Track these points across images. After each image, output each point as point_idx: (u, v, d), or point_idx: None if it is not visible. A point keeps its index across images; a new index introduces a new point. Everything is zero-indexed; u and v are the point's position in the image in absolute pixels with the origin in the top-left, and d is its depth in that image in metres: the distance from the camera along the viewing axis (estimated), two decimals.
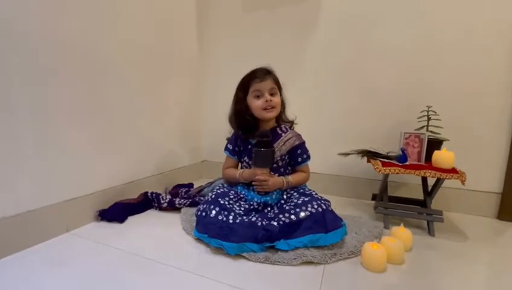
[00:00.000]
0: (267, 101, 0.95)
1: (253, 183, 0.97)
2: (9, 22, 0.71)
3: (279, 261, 0.72)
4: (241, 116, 0.99)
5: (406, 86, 1.17)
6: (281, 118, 1.05)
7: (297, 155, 1.00)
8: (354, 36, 1.23)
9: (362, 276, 0.68)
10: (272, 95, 0.96)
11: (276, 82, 0.99)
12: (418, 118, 1.06)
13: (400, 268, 0.72)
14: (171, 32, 1.31)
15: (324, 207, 0.83)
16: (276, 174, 0.99)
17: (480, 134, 1.09)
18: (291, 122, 1.06)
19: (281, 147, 0.98)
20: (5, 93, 0.71)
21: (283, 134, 1.01)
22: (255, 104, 0.96)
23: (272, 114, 0.97)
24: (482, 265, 0.78)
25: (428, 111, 1.03)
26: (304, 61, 1.33)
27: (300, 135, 1.03)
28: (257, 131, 0.98)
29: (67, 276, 0.65)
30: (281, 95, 1.02)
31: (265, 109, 0.96)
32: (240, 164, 1.08)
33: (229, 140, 1.08)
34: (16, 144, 0.74)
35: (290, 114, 1.07)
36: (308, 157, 1.02)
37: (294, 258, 0.72)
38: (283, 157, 0.99)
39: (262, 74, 0.97)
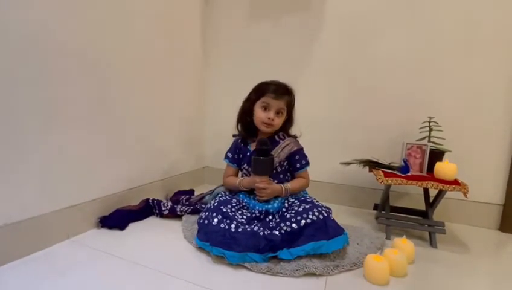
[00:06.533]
0: (269, 118, 0.97)
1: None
2: (13, 25, 0.71)
3: (281, 273, 0.71)
4: (244, 115, 1.04)
5: (408, 96, 1.18)
6: (284, 132, 1.06)
7: (296, 161, 1.01)
8: (357, 47, 1.25)
9: (365, 289, 0.68)
10: (277, 114, 0.99)
11: (289, 103, 1.01)
12: (420, 128, 1.06)
13: (403, 281, 0.71)
14: (177, 39, 1.32)
15: (325, 214, 0.83)
16: (276, 181, 0.99)
17: (482, 145, 1.09)
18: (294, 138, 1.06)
19: (279, 153, 1.00)
20: (8, 100, 0.71)
21: (281, 141, 1.02)
22: (258, 115, 0.99)
23: (268, 130, 1.00)
24: (485, 277, 0.78)
25: (430, 122, 1.04)
26: (307, 71, 1.34)
27: (298, 141, 1.05)
28: (256, 138, 1.00)
29: (66, 285, 0.65)
30: (290, 113, 1.04)
31: (264, 123, 0.98)
32: (239, 171, 1.09)
33: (228, 149, 1.10)
34: (19, 150, 0.74)
35: (296, 130, 1.07)
36: (307, 163, 1.03)
37: (297, 270, 0.71)
38: (282, 163, 1.01)
39: (280, 92, 0.98)
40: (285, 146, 1.01)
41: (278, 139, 1.03)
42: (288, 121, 1.05)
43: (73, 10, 0.85)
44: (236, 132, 1.10)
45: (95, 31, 0.92)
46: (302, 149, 1.03)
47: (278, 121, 0.99)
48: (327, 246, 0.76)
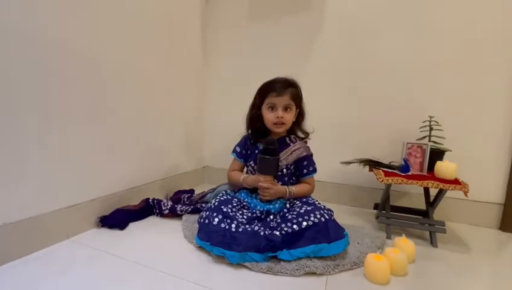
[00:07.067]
0: (278, 117, 0.96)
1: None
2: (14, 25, 0.71)
3: (281, 272, 0.71)
4: (254, 121, 1.02)
5: (408, 96, 1.18)
6: (297, 129, 1.04)
7: (303, 167, 1.00)
8: (357, 47, 1.25)
9: (365, 288, 0.68)
10: (286, 110, 0.97)
11: (294, 96, 0.98)
12: (420, 128, 1.06)
13: (404, 280, 0.71)
14: (177, 39, 1.32)
15: (327, 217, 0.82)
16: (280, 183, 0.98)
17: (483, 144, 1.09)
18: (306, 135, 1.05)
19: (288, 156, 0.98)
20: (8, 100, 0.71)
21: (291, 144, 1.01)
22: (267, 117, 0.98)
23: (280, 130, 0.99)
24: (485, 277, 0.78)
25: (430, 121, 1.04)
26: (307, 70, 1.34)
27: (309, 147, 1.03)
28: (265, 138, 0.98)
29: (66, 284, 0.64)
30: (300, 106, 1.01)
31: (275, 123, 0.97)
32: (245, 167, 1.08)
33: (238, 143, 1.08)
34: (18, 150, 0.74)
35: (308, 127, 1.05)
36: (314, 170, 1.01)
37: (297, 269, 0.71)
38: (289, 166, 0.99)
39: (281, 87, 0.96)
40: (295, 150, 0.99)
41: (289, 142, 1.02)
42: (300, 114, 1.03)
43: (73, 10, 0.85)
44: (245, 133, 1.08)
45: (95, 31, 0.92)
46: (311, 155, 1.02)
47: (289, 117, 0.97)
48: (328, 249, 0.76)
